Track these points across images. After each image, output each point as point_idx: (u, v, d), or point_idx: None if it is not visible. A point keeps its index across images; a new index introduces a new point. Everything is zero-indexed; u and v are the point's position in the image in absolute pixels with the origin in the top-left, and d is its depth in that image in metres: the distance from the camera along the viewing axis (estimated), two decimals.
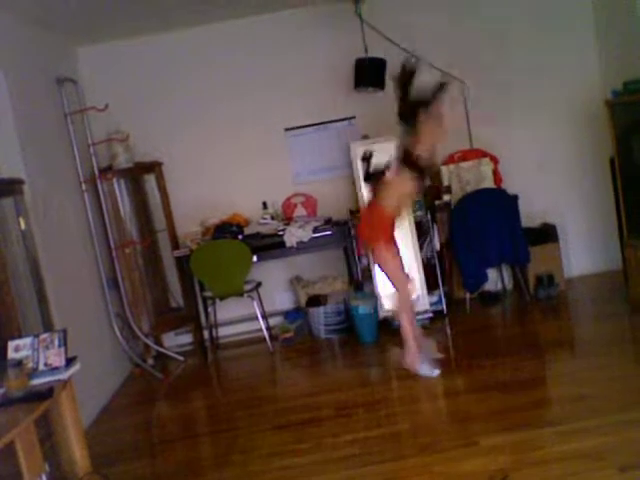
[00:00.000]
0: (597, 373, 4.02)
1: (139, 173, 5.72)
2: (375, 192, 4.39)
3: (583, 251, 6.11)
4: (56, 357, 3.13)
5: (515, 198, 5.59)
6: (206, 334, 5.87)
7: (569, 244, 6.02)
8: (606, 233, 5.97)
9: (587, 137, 5.94)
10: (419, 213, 5.50)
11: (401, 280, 4.37)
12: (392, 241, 4.39)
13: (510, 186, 5.67)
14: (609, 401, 3.60)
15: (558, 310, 5.52)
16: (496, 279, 6.04)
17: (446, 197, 5.69)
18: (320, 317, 5.61)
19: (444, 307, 5.57)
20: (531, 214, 5.85)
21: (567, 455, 3.10)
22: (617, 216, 5.54)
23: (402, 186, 4.24)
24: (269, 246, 5.60)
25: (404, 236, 5.28)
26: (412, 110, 4.11)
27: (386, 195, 4.29)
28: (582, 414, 3.47)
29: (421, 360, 4.37)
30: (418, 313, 5.44)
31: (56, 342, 3.16)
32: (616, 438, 3.16)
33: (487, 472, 3.06)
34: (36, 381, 3.05)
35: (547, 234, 5.75)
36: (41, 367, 3.12)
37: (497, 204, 5.50)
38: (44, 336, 3.21)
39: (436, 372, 4.36)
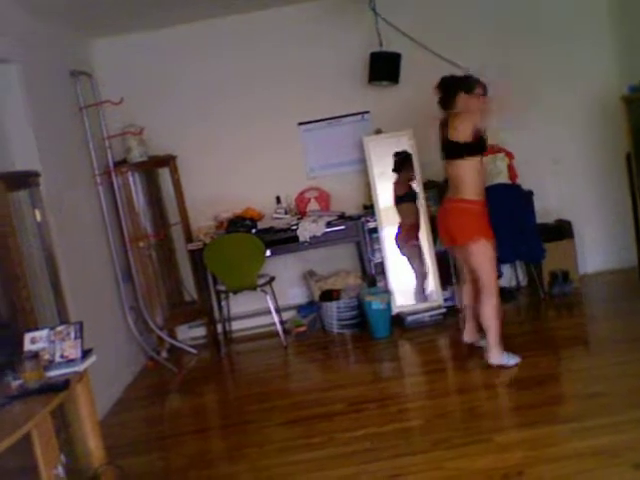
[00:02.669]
0: (612, 370, 4.00)
1: (153, 167, 5.74)
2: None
3: (598, 248, 6.06)
4: (72, 349, 3.14)
5: (530, 194, 5.55)
6: (219, 328, 5.89)
7: (584, 240, 5.97)
8: (622, 229, 5.92)
9: (603, 132, 5.90)
10: (433, 208, 5.49)
11: (493, 276, 4.23)
12: (491, 234, 4.23)
13: (525, 182, 5.63)
14: (624, 398, 3.58)
15: (573, 307, 5.49)
16: (510, 275, 6.02)
17: None
18: (333, 312, 5.61)
19: (457, 303, 5.55)
20: (546, 210, 5.81)
21: (582, 452, 3.08)
22: (633, 212, 5.49)
23: (473, 166, 4.18)
24: (282, 240, 5.62)
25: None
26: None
27: (463, 183, 4.18)
28: (597, 411, 3.45)
29: (502, 352, 4.27)
30: (432, 309, 5.45)
31: (72, 334, 3.18)
32: (631, 435, 3.14)
33: (501, 469, 3.05)
34: (52, 373, 3.06)
35: (562, 230, 5.71)
36: (57, 359, 3.13)
37: (512, 200, 5.46)
38: (60, 328, 3.23)
39: (516, 359, 4.27)
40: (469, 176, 4.17)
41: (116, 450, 3.77)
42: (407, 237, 5.60)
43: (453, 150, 4.21)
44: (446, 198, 4.39)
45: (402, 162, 5.56)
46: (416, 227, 5.58)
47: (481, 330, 4.43)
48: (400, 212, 5.60)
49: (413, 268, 5.66)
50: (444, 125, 4.31)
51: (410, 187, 5.57)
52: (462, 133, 4.13)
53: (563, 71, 5.86)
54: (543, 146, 5.94)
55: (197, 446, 3.96)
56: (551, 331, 5.03)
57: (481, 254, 4.19)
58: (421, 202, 5.50)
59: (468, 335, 4.68)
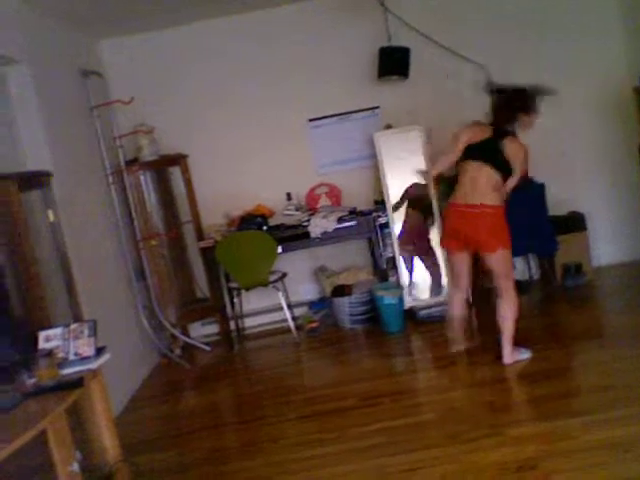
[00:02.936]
0: (626, 363, 3.97)
1: (164, 165, 5.76)
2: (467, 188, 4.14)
3: (612, 239, 6.03)
4: (86, 347, 3.17)
5: (542, 186, 5.52)
6: (232, 324, 5.91)
7: (598, 232, 5.94)
8: (635, 222, 5.89)
9: (615, 124, 5.85)
10: (444, 202, 5.47)
11: (513, 280, 4.22)
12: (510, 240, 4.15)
13: (537, 174, 5.60)
14: (637, 391, 3.56)
15: (586, 300, 5.46)
16: (523, 269, 5.99)
17: None
18: (345, 307, 5.61)
19: (470, 297, 5.52)
20: (559, 202, 5.77)
21: (595, 445, 3.07)
22: None
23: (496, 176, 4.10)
24: (294, 237, 5.62)
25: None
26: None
27: (491, 188, 4.07)
28: (610, 404, 3.44)
29: (514, 349, 4.26)
30: (444, 303, 5.43)
31: (86, 332, 3.20)
32: None
33: (515, 462, 3.05)
34: (66, 371, 3.08)
35: (575, 223, 5.68)
36: (71, 357, 3.16)
37: (523, 193, 5.43)
38: (74, 326, 3.25)
39: (528, 353, 4.31)
40: (499, 185, 4.11)
41: (131, 447, 3.81)
42: (406, 240, 5.57)
43: (501, 162, 4.07)
44: (467, 201, 4.13)
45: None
46: (417, 233, 5.56)
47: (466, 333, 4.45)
48: (405, 214, 5.58)
49: (407, 269, 5.62)
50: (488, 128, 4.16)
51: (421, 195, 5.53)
52: (513, 160, 4.08)
53: (573, 63, 5.82)
54: (555, 138, 5.90)
55: (212, 442, 3.98)
56: (564, 324, 5.00)
57: (505, 261, 4.17)
58: (434, 213, 5.47)
59: (457, 344, 4.56)
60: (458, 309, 4.50)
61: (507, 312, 4.21)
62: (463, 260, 4.32)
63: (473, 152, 4.14)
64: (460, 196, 4.18)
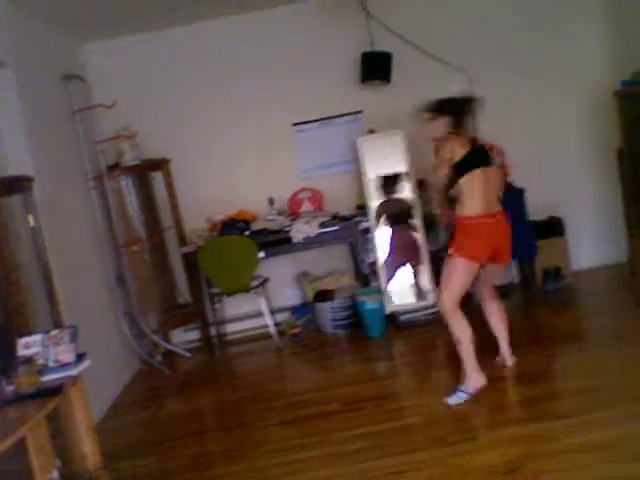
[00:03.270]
0: (606, 365, 4.02)
1: (146, 170, 5.72)
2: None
3: (590, 244, 6.08)
4: (66, 353, 3.14)
5: (521, 192, 5.56)
6: (213, 330, 5.87)
7: (576, 237, 5.98)
8: (613, 225, 5.95)
9: (594, 128, 5.92)
10: (426, 207, 5.49)
11: None
12: None
13: (516, 179, 5.63)
14: (619, 392, 3.59)
15: (566, 303, 5.49)
16: (503, 273, 6.02)
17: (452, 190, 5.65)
18: (327, 312, 5.61)
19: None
20: (537, 207, 5.80)
21: (578, 447, 3.10)
22: (624, 208, 5.51)
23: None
24: (276, 242, 5.60)
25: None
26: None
27: (499, 190, 4.05)
28: (593, 406, 3.47)
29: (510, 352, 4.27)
30: (426, 307, 5.45)
31: (66, 338, 3.17)
32: (627, 429, 3.16)
33: (500, 464, 3.07)
34: (46, 377, 3.05)
35: (554, 227, 5.72)
36: (51, 363, 3.12)
37: (503, 197, 5.46)
38: (54, 332, 3.22)
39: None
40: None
41: (112, 454, 3.77)
42: (397, 259, 5.57)
43: (493, 163, 4.01)
44: (496, 209, 3.99)
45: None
46: (409, 245, 5.54)
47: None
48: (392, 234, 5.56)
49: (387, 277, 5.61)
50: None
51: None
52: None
53: (555, 67, 5.88)
54: (534, 143, 5.95)
55: (194, 448, 3.95)
56: (545, 327, 5.03)
57: None
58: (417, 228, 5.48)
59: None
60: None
61: (502, 325, 4.24)
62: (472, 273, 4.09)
63: (473, 160, 3.92)
64: (484, 206, 3.91)
